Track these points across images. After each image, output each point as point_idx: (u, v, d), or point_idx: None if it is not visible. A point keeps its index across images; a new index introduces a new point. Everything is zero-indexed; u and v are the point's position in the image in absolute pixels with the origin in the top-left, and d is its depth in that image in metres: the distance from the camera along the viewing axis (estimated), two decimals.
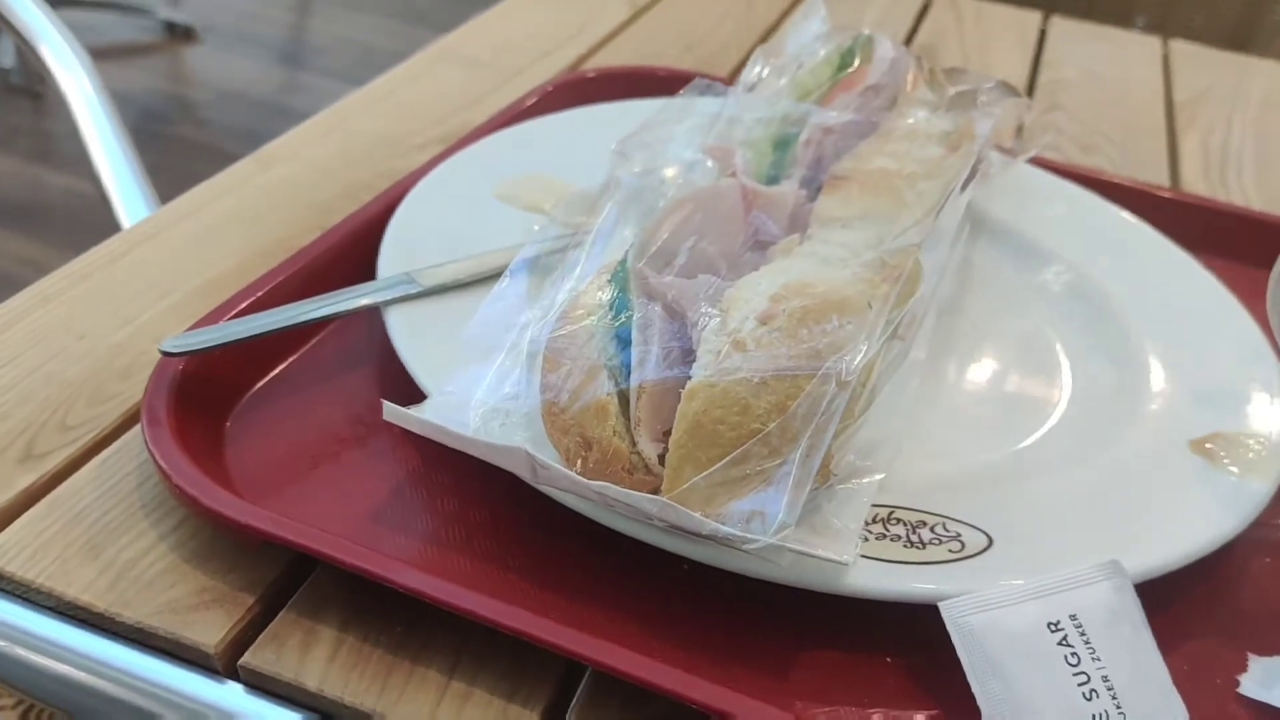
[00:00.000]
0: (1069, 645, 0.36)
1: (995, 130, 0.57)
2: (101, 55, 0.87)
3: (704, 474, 0.36)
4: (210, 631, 0.38)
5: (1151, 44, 1.06)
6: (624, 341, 0.40)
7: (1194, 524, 0.43)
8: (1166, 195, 0.71)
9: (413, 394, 0.43)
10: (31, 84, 2.39)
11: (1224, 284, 0.58)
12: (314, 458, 0.45)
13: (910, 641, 0.40)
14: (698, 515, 0.36)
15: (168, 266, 0.56)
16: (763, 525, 0.36)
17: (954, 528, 0.42)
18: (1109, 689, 0.36)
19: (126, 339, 0.50)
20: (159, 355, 0.44)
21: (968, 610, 0.37)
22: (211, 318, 0.47)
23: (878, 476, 0.41)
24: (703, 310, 0.40)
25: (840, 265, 0.44)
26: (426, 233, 0.54)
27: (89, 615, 0.39)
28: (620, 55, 0.88)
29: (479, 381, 0.42)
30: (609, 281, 0.43)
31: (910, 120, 0.55)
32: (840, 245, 0.45)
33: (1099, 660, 0.36)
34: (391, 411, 0.40)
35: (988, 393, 0.53)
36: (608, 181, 0.54)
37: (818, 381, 0.37)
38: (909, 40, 1.00)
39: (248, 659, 0.37)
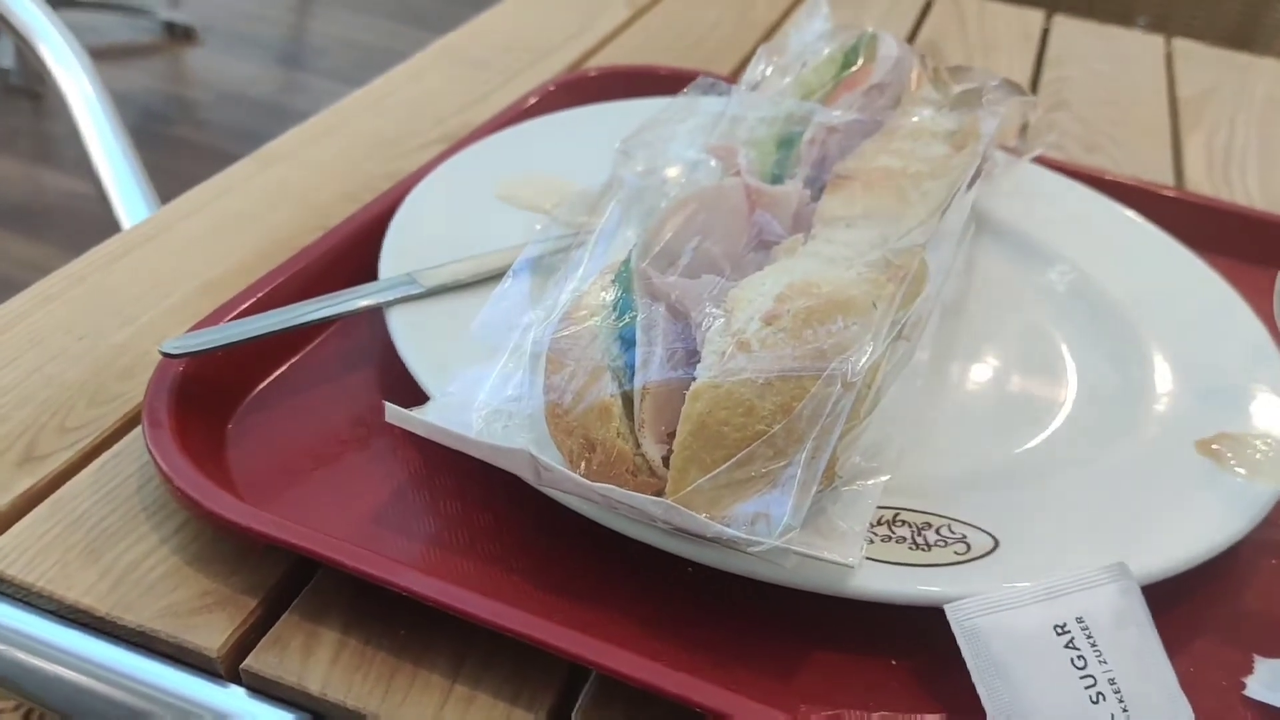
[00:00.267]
0: (1075, 648, 0.36)
1: (1000, 129, 0.57)
2: (101, 56, 0.87)
3: (708, 476, 0.36)
4: (212, 635, 0.38)
5: (1155, 43, 1.05)
6: (628, 342, 0.40)
7: (1200, 526, 0.43)
8: (1171, 194, 0.71)
9: (415, 395, 0.43)
10: (31, 85, 2.39)
11: (1229, 283, 0.58)
12: (316, 460, 0.45)
13: (915, 644, 0.40)
14: (702, 517, 0.35)
15: (168, 267, 0.55)
16: (768, 527, 0.36)
17: (959, 529, 0.41)
18: (1115, 691, 0.35)
19: (127, 340, 0.50)
20: (160, 356, 0.44)
21: (973, 612, 0.37)
22: (212, 319, 0.47)
23: (883, 478, 0.41)
24: (707, 310, 0.40)
25: (845, 265, 0.43)
26: (428, 233, 0.54)
27: (90, 619, 0.39)
28: (621, 54, 0.88)
29: (482, 383, 0.42)
30: (612, 282, 0.43)
31: (914, 119, 0.54)
32: (844, 245, 0.45)
33: (1105, 663, 0.36)
34: (394, 413, 0.39)
35: (993, 393, 0.53)
36: (610, 181, 0.54)
37: (823, 383, 0.37)
38: (911, 39, 1.00)
39: (250, 662, 0.37)
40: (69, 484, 0.43)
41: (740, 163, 0.51)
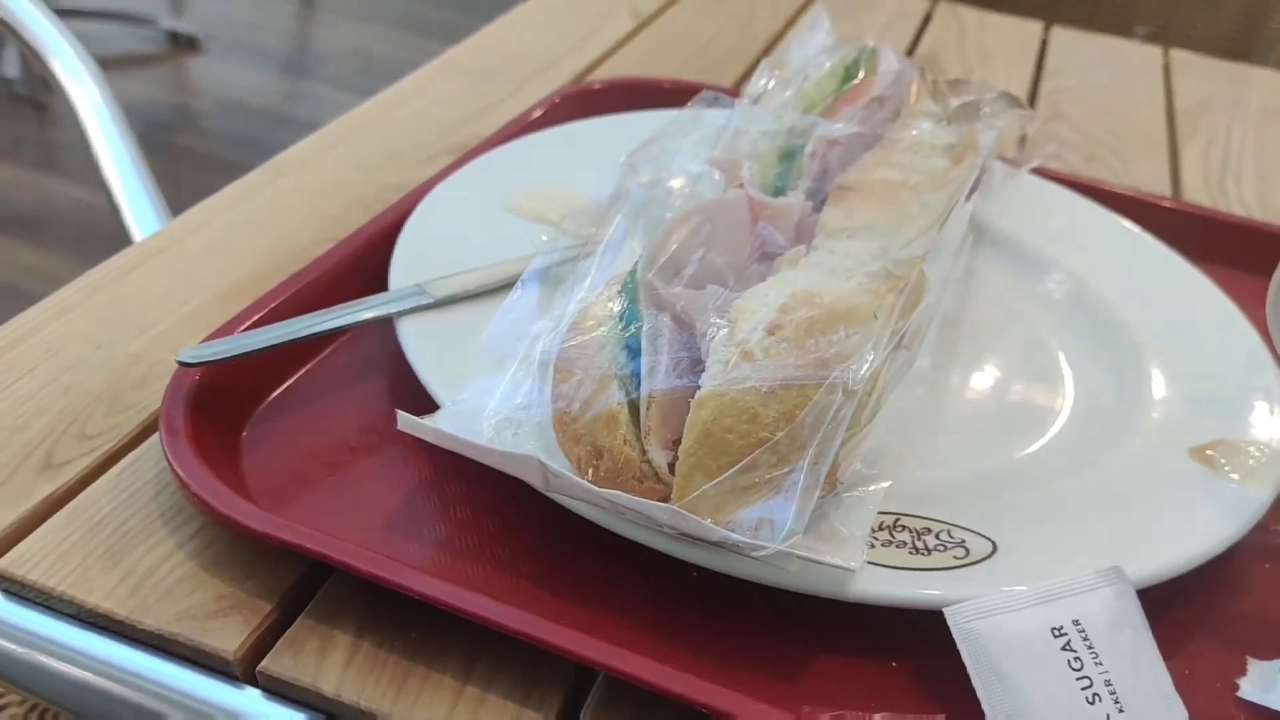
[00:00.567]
0: (1072, 650, 0.37)
1: (998, 141, 0.58)
2: (105, 65, 0.87)
3: (713, 482, 0.37)
4: (229, 638, 0.38)
5: (1153, 53, 1.06)
6: (634, 351, 0.41)
7: (1195, 530, 0.44)
8: (1168, 205, 0.72)
9: (425, 404, 0.43)
10: (36, 93, 2.40)
11: (1225, 292, 0.59)
12: (329, 466, 0.46)
13: (915, 646, 0.40)
14: (707, 523, 0.36)
15: (182, 277, 0.56)
16: (771, 532, 0.36)
17: (958, 534, 0.42)
18: (1111, 693, 0.36)
19: (143, 349, 0.51)
20: (176, 365, 0.45)
21: (972, 615, 0.38)
22: (227, 329, 0.48)
23: (884, 484, 0.42)
24: (711, 321, 0.41)
25: (846, 276, 0.44)
26: (437, 244, 0.54)
27: (109, 622, 0.39)
28: (624, 66, 0.89)
29: (491, 391, 0.43)
30: (619, 292, 0.43)
31: (914, 132, 0.55)
32: (846, 256, 0.46)
33: (1102, 665, 0.37)
34: (405, 421, 0.40)
35: (991, 401, 0.54)
36: (616, 193, 0.54)
37: (825, 391, 0.38)
38: (911, 50, 1.01)
39: (266, 665, 0.38)
40: (88, 490, 0.44)
41: (743, 175, 0.51)
